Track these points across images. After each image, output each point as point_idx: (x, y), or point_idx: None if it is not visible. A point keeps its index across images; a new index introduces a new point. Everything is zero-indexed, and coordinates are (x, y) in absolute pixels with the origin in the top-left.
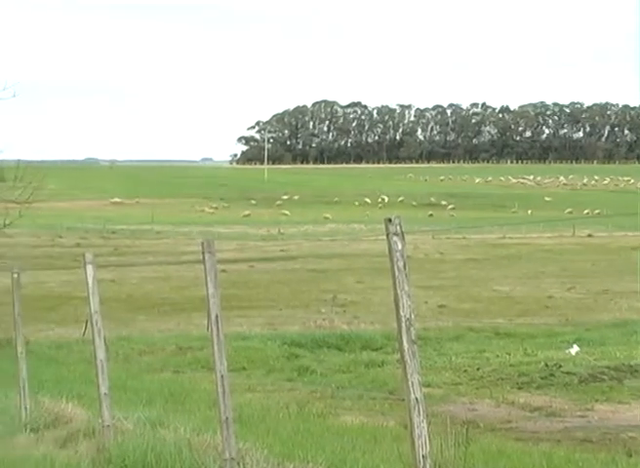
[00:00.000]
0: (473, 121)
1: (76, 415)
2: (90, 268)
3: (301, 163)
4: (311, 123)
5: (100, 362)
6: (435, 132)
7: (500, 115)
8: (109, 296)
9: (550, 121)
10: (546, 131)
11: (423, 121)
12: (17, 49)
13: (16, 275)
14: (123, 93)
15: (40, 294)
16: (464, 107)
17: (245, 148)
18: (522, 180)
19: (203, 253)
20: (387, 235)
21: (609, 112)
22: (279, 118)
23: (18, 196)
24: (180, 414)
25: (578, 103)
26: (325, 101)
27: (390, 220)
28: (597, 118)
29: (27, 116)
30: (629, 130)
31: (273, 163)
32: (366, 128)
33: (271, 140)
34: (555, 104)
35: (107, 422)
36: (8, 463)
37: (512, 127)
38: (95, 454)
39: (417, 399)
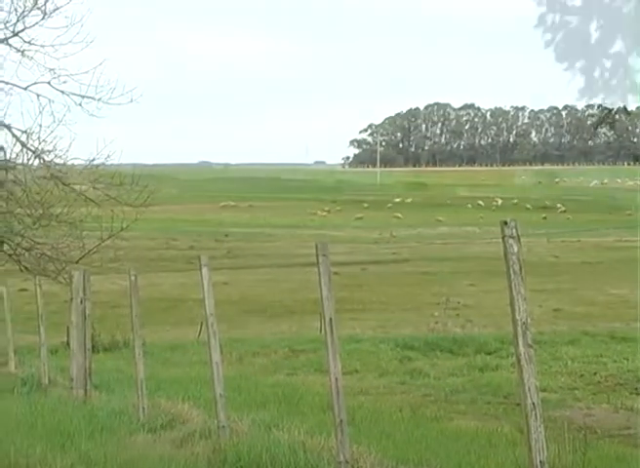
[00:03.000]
0: (589, 122)
1: (192, 416)
2: (205, 271)
3: (414, 166)
4: (424, 125)
5: (215, 363)
6: (550, 134)
7: (617, 116)
8: (223, 299)
9: None
10: None
11: (538, 123)
12: (133, 54)
13: (133, 277)
14: (236, 96)
15: (155, 297)
16: (580, 109)
17: (357, 151)
18: (639, 182)
19: (317, 255)
20: (503, 238)
21: None
22: (391, 121)
23: (134, 200)
24: (294, 417)
25: None
26: (437, 104)
27: (506, 223)
28: None
29: (142, 120)
30: None
31: (385, 166)
32: (479, 130)
33: (384, 143)
34: None
35: (223, 423)
36: (126, 463)
37: (629, 128)
38: (211, 455)
39: (533, 403)
